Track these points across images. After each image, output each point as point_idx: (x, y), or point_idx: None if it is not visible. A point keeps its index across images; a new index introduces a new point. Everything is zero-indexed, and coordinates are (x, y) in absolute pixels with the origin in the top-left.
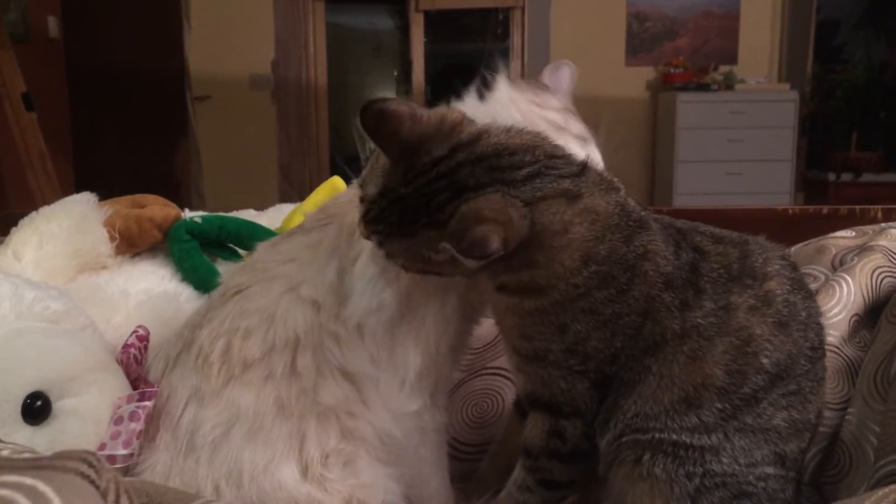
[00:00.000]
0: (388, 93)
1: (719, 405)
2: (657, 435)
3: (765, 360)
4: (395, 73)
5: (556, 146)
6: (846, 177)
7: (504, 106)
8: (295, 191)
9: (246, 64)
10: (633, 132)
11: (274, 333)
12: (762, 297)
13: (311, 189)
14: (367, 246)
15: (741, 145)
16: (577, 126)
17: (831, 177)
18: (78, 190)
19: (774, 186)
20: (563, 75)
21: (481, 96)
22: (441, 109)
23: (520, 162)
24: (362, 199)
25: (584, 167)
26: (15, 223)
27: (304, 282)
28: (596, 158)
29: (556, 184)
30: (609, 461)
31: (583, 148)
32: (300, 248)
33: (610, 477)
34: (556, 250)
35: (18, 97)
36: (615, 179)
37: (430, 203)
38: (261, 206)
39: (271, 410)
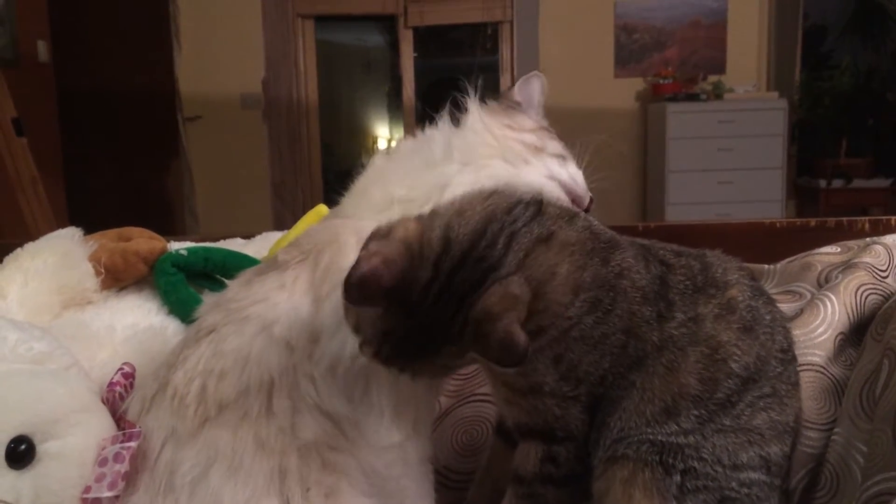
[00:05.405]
0: (379, 109)
1: (696, 412)
2: (636, 438)
3: (734, 365)
4: (386, 89)
5: (504, 195)
6: (837, 183)
7: (478, 133)
8: (287, 209)
9: (236, 83)
10: (624, 143)
11: (248, 375)
12: (725, 304)
13: (303, 207)
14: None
15: (732, 154)
16: (554, 145)
17: (822, 183)
18: (70, 213)
19: (766, 194)
20: (533, 87)
21: (455, 121)
22: (399, 233)
23: (492, 238)
24: (364, 343)
25: (540, 203)
26: (7, 253)
27: (277, 322)
28: (577, 176)
29: (528, 235)
30: (597, 475)
31: (562, 167)
32: (274, 288)
33: (593, 484)
34: (550, 293)
35: (9, 122)
36: (570, 206)
37: (441, 323)
38: (253, 224)
39: (250, 448)
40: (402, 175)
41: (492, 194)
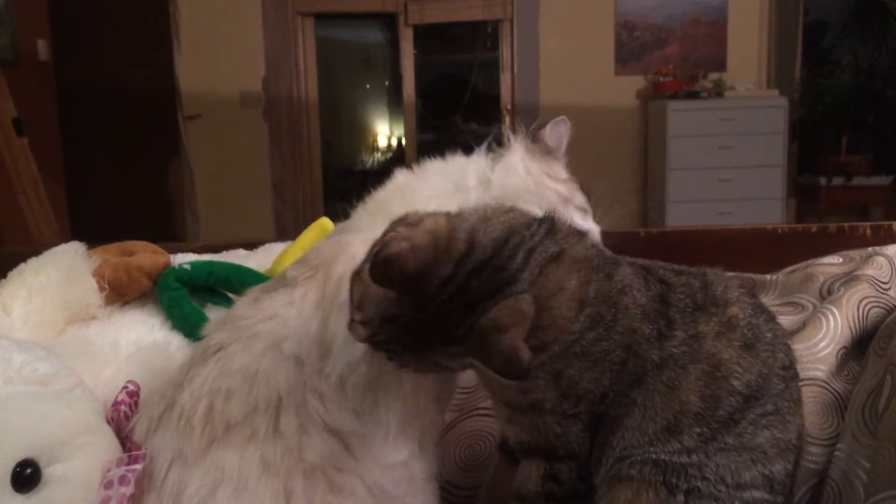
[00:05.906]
0: (379, 107)
1: (698, 430)
2: (639, 457)
3: (735, 383)
4: (386, 87)
5: (520, 211)
6: (837, 181)
7: (520, 177)
8: (288, 207)
9: (236, 81)
10: (625, 141)
11: (256, 393)
12: (726, 322)
13: (303, 205)
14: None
15: (732, 152)
16: (580, 198)
17: (822, 181)
18: (71, 212)
19: (766, 192)
20: (562, 132)
21: (491, 153)
22: (428, 224)
23: (513, 249)
24: (363, 323)
25: (552, 221)
26: (9, 261)
27: (287, 338)
28: (595, 232)
29: (543, 254)
30: (601, 494)
31: (583, 220)
32: (283, 305)
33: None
34: (556, 307)
35: (9, 123)
36: (576, 227)
37: (446, 323)
38: (253, 223)
39: (256, 470)
40: (430, 194)
41: (510, 209)
